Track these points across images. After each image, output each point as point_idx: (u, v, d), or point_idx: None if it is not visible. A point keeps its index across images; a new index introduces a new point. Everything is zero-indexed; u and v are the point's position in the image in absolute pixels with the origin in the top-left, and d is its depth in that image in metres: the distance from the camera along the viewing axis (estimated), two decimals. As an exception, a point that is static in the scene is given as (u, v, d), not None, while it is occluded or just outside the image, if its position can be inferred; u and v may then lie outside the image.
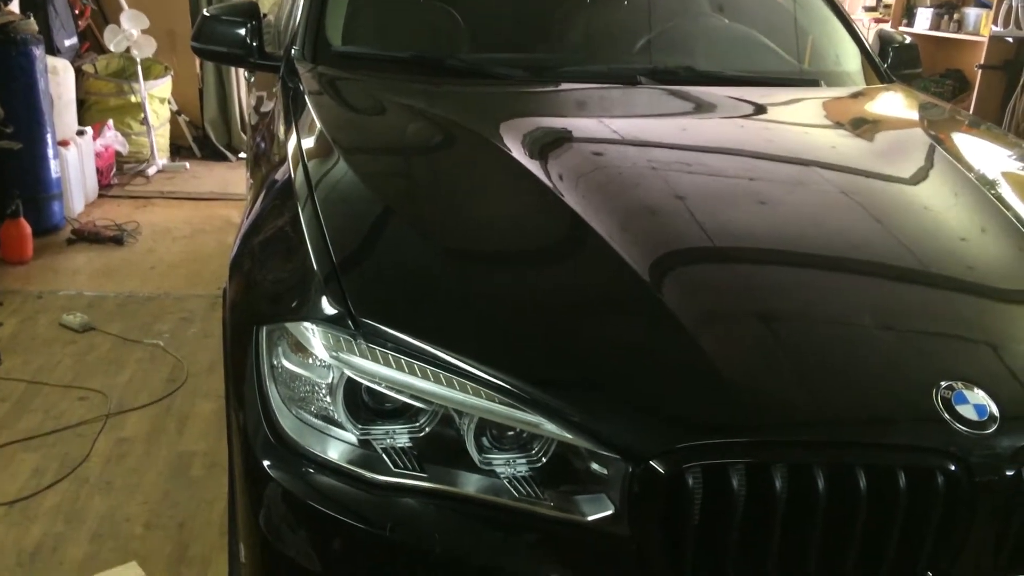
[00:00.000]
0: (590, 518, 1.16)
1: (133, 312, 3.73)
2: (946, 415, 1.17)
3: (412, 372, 1.21)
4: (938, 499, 1.14)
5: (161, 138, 6.11)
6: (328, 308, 1.30)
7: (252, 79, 4.34)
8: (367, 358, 1.23)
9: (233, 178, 5.99)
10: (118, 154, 5.68)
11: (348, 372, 1.23)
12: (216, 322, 3.67)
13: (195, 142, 6.53)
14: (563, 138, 1.90)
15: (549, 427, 1.17)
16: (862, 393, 1.20)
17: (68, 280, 4.08)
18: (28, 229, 4.18)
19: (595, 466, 1.18)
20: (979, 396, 1.20)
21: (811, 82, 2.58)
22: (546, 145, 1.84)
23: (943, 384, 1.20)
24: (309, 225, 1.48)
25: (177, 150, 6.45)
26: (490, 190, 1.68)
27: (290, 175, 1.74)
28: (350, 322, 1.26)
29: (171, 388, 3.08)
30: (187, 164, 6.20)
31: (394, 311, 1.29)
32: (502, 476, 1.20)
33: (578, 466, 1.20)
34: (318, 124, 1.88)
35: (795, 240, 1.57)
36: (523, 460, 1.20)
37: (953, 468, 1.15)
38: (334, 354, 1.24)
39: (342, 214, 1.53)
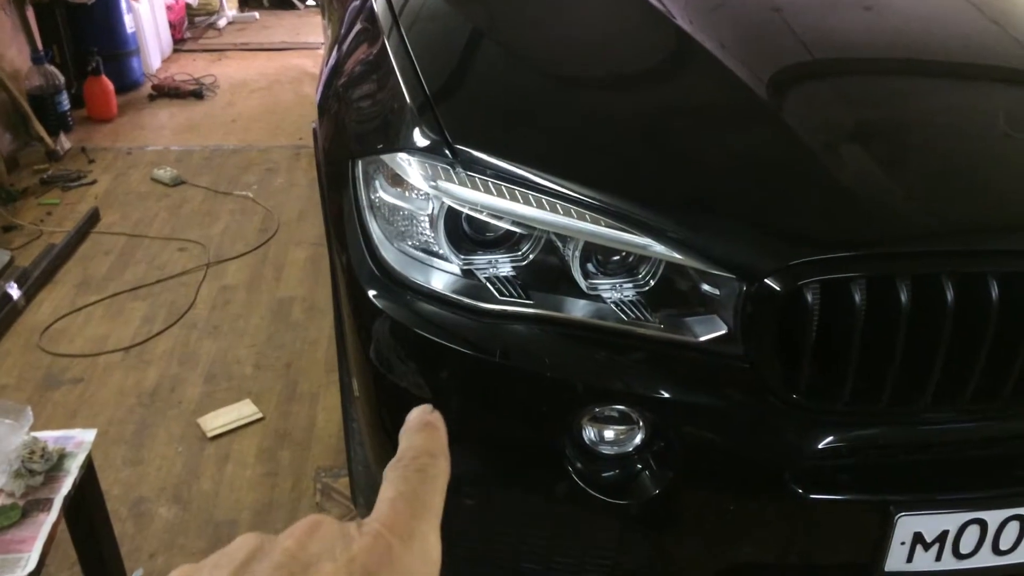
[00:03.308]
0: (702, 339, 1.14)
1: (220, 165, 3.77)
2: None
3: (513, 198, 1.16)
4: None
5: (229, -12, 6.02)
6: (423, 138, 1.26)
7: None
8: (466, 186, 1.19)
9: (303, 27, 5.89)
10: (188, 6, 5.62)
11: (447, 201, 1.20)
12: (300, 172, 3.69)
13: (262, -9, 6.41)
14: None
15: (658, 248, 1.13)
16: (994, 199, 1.13)
17: (154, 135, 4.13)
18: (111, 86, 4.21)
19: (705, 287, 1.14)
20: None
21: None
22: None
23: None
24: (397, 54, 1.43)
25: (246, 0, 6.35)
26: (587, 6, 1.59)
27: (371, 5, 1.67)
28: (447, 150, 1.22)
29: (264, 237, 3.14)
30: (256, 14, 6.12)
31: (491, 137, 1.25)
32: (608, 300, 1.17)
33: (685, 288, 1.16)
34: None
35: (911, 47, 1.50)
36: (630, 284, 1.17)
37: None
38: (432, 184, 1.21)
39: (430, 40, 1.47)
